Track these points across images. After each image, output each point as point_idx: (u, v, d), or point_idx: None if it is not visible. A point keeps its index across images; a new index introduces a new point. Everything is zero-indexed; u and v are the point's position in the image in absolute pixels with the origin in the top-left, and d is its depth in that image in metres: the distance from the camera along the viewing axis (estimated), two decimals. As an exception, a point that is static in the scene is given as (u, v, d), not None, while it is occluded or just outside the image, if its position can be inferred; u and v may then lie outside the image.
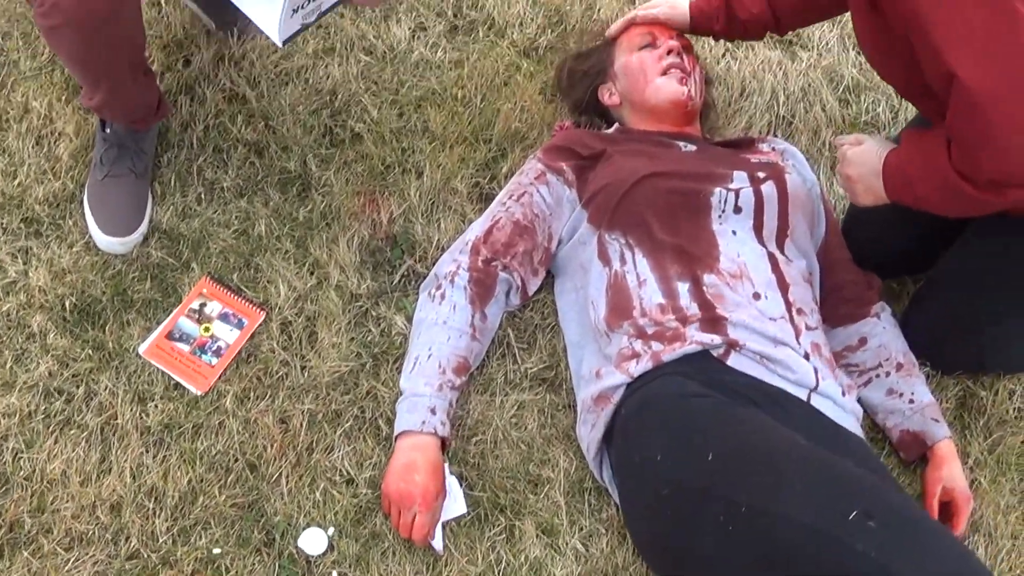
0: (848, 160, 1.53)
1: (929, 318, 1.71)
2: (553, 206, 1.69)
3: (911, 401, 1.64)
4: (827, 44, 2.24)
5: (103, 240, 1.69)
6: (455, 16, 2.12)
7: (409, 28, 2.06)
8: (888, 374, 1.65)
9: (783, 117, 2.08)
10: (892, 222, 1.71)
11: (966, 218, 1.62)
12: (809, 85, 2.15)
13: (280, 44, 1.36)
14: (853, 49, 2.24)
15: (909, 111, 2.12)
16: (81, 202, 1.74)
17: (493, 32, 2.11)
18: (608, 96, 1.86)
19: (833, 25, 2.26)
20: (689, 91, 1.76)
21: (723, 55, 2.15)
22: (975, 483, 1.66)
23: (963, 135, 1.27)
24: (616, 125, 1.85)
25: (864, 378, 1.68)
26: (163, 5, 2.00)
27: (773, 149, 1.81)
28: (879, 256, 1.79)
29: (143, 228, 1.72)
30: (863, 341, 1.68)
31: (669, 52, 1.79)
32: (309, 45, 1.99)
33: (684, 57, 1.80)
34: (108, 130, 1.72)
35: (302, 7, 1.32)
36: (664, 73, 1.77)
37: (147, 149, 1.75)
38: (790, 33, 2.08)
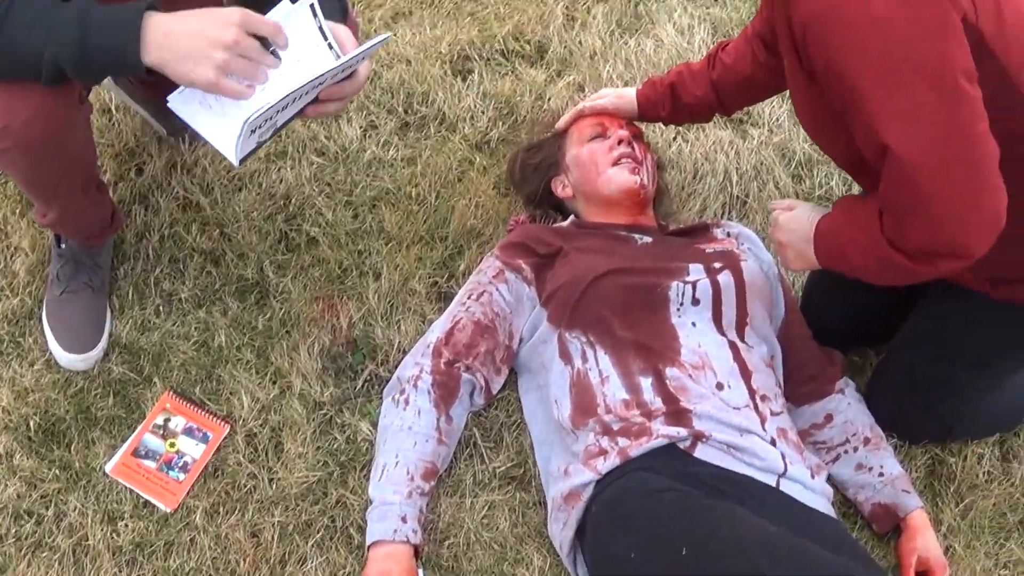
0: (780, 225, 1.67)
1: (892, 392, 1.86)
2: (513, 304, 1.83)
3: (881, 474, 1.78)
4: (777, 120, 2.43)
5: (64, 357, 1.81)
6: (406, 112, 2.29)
7: (360, 127, 2.23)
8: (856, 449, 1.80)
9: (737, 197, 2.26)
10: (849, 296, 1.88)
11: (919, 289, 1.80)
12: (761, 163, 2.33)
13: (236, 164, 1.48)
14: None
15: (855, 189, 2.31)
16: (40, 319, 1.86)
17: (444, 127, 2.28)
18: (561, 188, 2.03)
19: (782, 101, 2.46)
20: (641, 180, 1.93)
21: (674, 138, 2.33)
22: (950, 550, 1.80)
23: (895, 206, 1.37)
24: (571, 217, 2.01)
25: (832, 454, 1.82)
26: (114, 112, 2.15)
27: (728, 234, 1.98)
28: (838, 331, 1.94)
29: (103, 344, 1.84)
30: (829, 418, 1.82)
31: (620, 142, 1.96)
32: (261, 149, 2.15)
33: (635, 146, 1.97)
34: (63, 246, 1.85)
35: (259, 127, 1.47)
36: (615, 163, 1.93)
37: (103, 263, 1.89)
38: (740, 112, 2.28)
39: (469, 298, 1.84)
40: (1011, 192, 1.33)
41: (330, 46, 1.44)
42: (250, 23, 1.30)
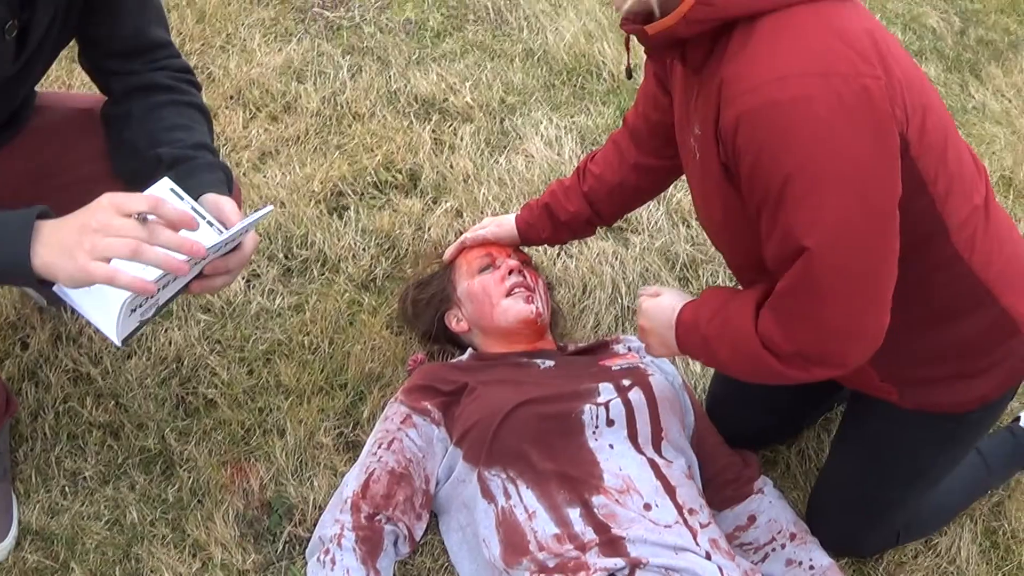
0: (643, 311, 1.90)
1: (835, 522, 2.09)
2: (425, 448, 2.04)
3: (811, 567, 2.03)
4: (656, 224, 2.75)
5: None
6: (286, 258, 2.52)
7: (243, 278, 2.44)
8: (783, 546, 2.05)
9: (628, 308, 2.54)
10: (754, 398, 2.15)
11: (825, 388, 2.06)
12: (647, 269, 2.64)
13: (119, 344, 1.55)
14: (683, 224, 2.77)
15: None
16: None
17: (327, 269, 2.51)
18: (456, 323, 2.28)
19: (659, 204, 2.79)
20: (537, 308, 2.19)
21: (558, 255, 2.62)
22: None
23: (790, 308, 1.51)
24: (469, 351, 2.26)
25: (760, 554, 2.06)
26: (-11, 286, 2.32)
27: (629, 349, 2.24)
28: (747, 432, 2.21)
29: (13, 532, 1.98)
30: (752, 519, 2.08)
31: (510, 272, 2.21)
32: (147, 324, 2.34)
33: (526, 274, 2.23)
34: None
35: (140, 306, 1.54)
36: (509, 294, 2.18)
37: (1, 449, 2.04)
38: (620, 220, 2.56)
39: (379, 447, 2.04)
40: (917, 301, 1.59)
41: (209, 223, 1.57)
42: (121, 205, 1.34)
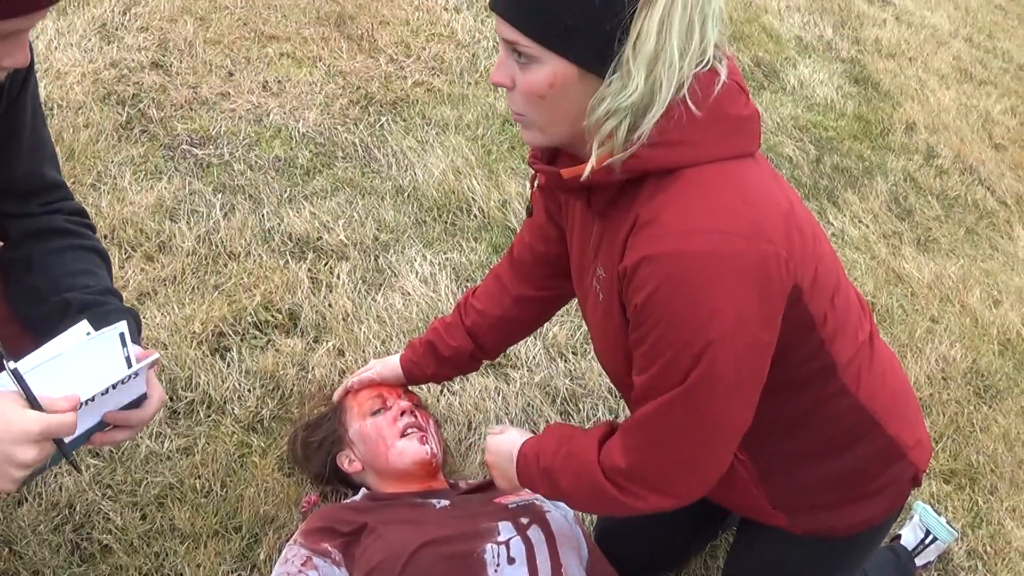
0: (488, 447, 2.17)
1: None
2: None
3: None
4: (535, 359, 3.09)
5: None
6: (172, 399, 2.75)
7: (129, 424, 2.67)
8: None
9: (513, 443, 2.87)
10: (640, 527, 2.44)
11: (710, 516, 2.40)
12: (529, 404, 2.97)
13: (13, 490, 1.57)
14: (560, 359, 3.12)
15: (626, 410, 2.99)
16: None
17: (214, 411, 2.76)
18: (348, 463, 2.54)
19: (536, 339, 3.13)
20: (431, 449, 2.46)
21: (441, 392, 2.92)
22: None
23: (644, 435, 1.74)
24: (363, 491, 2.51)
25: None
26: None
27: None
28: (637, 561, 2.51)
29: None
30: None
31: (402, 413, 2.49)
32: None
33: (417, 415, 2.53)
34: None
35: None
36: (402, 435, 2.45)
37: None
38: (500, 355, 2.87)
39: None
40: (808, 432, 1.88)
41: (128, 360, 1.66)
42: (52, 430, 1.50)
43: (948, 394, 3.49)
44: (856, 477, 2.00)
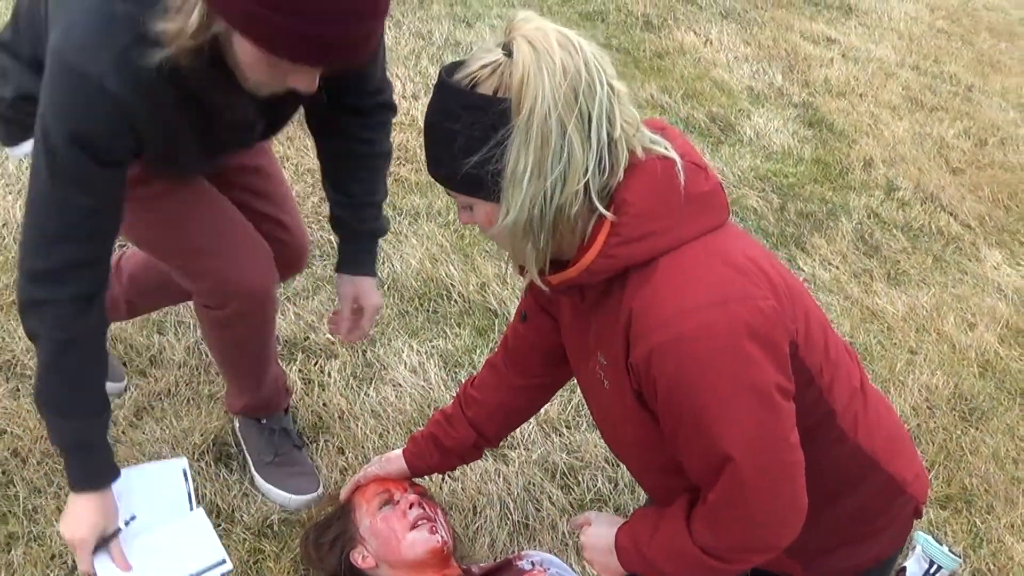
0: (583, 546, 2.28)
1: None
2: None
3: None
4: (531, 438, 3.18)
5: (295, 500, 2.68)
6: (180, 516, 2.84)
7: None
8: None
9: (518, 522, 2.94)
10: None
11: None
12: (530, 482, 3.06)
13: None
14: (555, 434, 3.21)
15: (624, 477, 3.09)
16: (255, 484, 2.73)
17: (223, 519, 2.80)
18: (362, 560, 2.61)
19: (533, 420, 3.23)
20: (442, 537, 2.54)
21: (444, 480, 3.01)
22: None
23: (722, 510, 1.82)
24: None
25: None
26: None
27: (532, 564, 2.61)
28: None
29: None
30: None
31: (411, 506, 2.57)
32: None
33: (425, 505, 2.61)
34: (264, 422, 2.74)
35: None
36: (413, 527, 2.54)
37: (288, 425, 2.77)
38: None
39: None
40: (813, 480, 1.90)
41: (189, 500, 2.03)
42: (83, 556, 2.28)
43: (935, 422, 3.60)
44: (861, 517, 2.11)
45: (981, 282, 4.47)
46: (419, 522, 2.55)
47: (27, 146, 2.24)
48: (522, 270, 1.89)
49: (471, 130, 1.68)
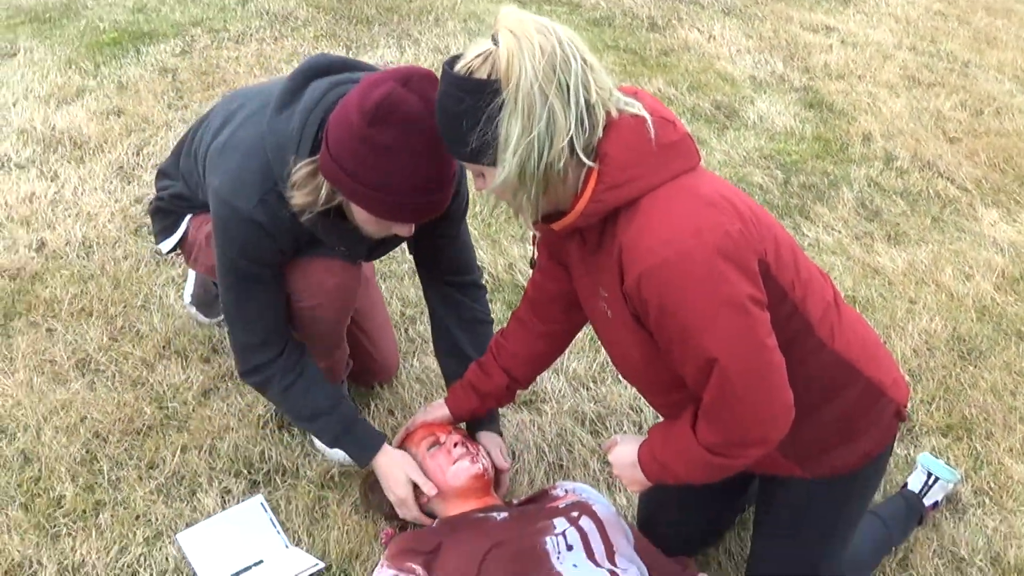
0: (613, 463, 2.59)
1: None
2: None
3: None
4: (561, 392, 3.52)
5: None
6: (249, 472, 3.15)
7: (215, 495, 3.10)
8: None
9: (553, 463, 3.27)
10: (675, 512, 2.86)
11: (735, 490, 2.83)
12: (562, 429, 3.38)
13: None
14: (582, 387, 3.54)
15: (647, 421, 3.41)
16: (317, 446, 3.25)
17: (289, 476, 3.15)
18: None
19: (558, 375, 3.57)
20: (482, 464, 2.88)
21: (485, 431, 3.35)
22: None
23: (716, 409, 2.10)
24: (436, 520, 2.91)
25: None
26: None
27: (566, 492, 2.92)
28: (677, 541, 2.89)
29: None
30: None
31: (455, 444, 2.91)
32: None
33: (468, 444, 2.96)
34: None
35: None
36: (457, 461, 2.88)
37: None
38: (533, 392, 3.33)
39: None
40: (799, 389, 2.19)
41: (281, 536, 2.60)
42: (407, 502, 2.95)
43: (935, 361, 3.89)
44: (847, 419, 2.41)
45: (978, 238, 4.74)
46: (462, 457, 2.88)
47: (171, 242, 3.22)
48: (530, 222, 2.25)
49: (473, 110, 2.05)
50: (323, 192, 2.51)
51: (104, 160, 4.66)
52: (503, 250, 4.23)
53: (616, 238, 2.15)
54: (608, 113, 2.10)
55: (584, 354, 3.71)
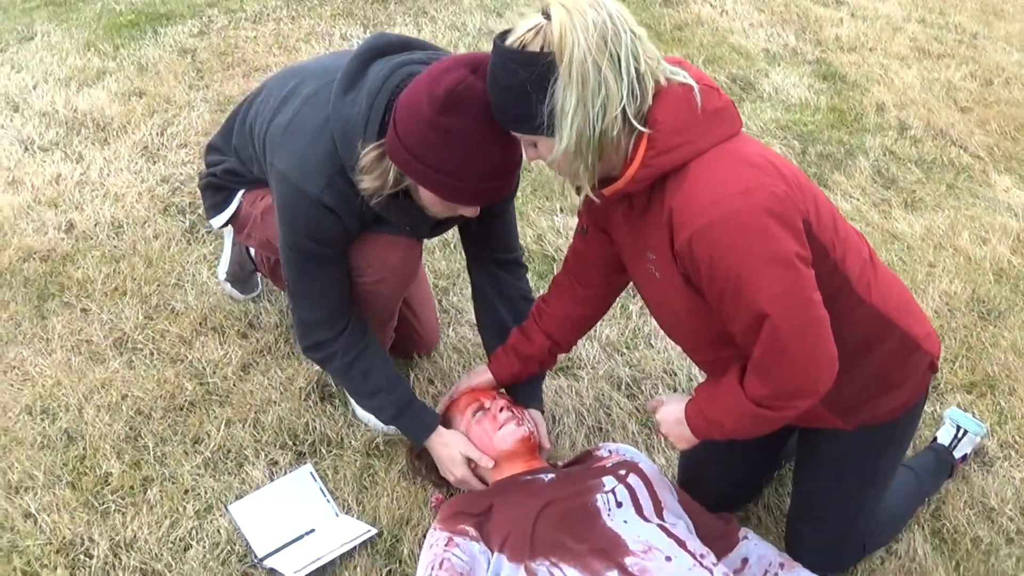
0: (658, 422, 2.68)
1: (810, 546, 2.82)
2: (470, 561, 2.65)
3: None
4: (596, 358, 3.58)
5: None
6: (295, 443, 3.22)
7: (262, 466, 3.15)
8: (777, 575, 2.77)
9: (592, 426, 3.34)
10: (715, 470, 2.94)
11: (774, 448, 2.91)
12: (599, 394, 3.45)
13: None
14: (616, 354, 3.61)
15: (682, 384, 3.48)
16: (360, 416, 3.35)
17: (334, 446, 3.21)
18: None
19: (592, 341, 3.63)
20: (528, 428, 2.93)
21: (525, 399, 3.41)
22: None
23: (766, 361, 2.18)
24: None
25: None
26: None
27: (610, 452, 2.98)
28: (718, 498, 2.95)
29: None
30: (745, 561, 2.79)
31: (500, 410, 2.97)
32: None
33: (512, 409, 3.01)
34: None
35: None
36: (503, 425, 2.94)
37: None
38: (569, 359, 3.40)
39: (433, 569, 2.63)
40: (841, 344, 2.26)
41: (328, 501, 2.78)
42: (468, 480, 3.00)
43: (956, 322, 3.97)
44: (885, 371, 2.51)
45: (992, 204, 4.80)
46: (507, 421, 2.95)
47: (223, 217, 3.29)
48: (579, 190, 2.32)
49: (526, 81, 2.13)
50: (391, 176, 2.56)
51: (128, 141, 4.70)
52: (532, 222, 4.29)
53: (665, 202, 2.23)
54: (657, 82, 2.18)
55: (616, 321, 3.77)
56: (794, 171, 2.29)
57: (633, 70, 2.12)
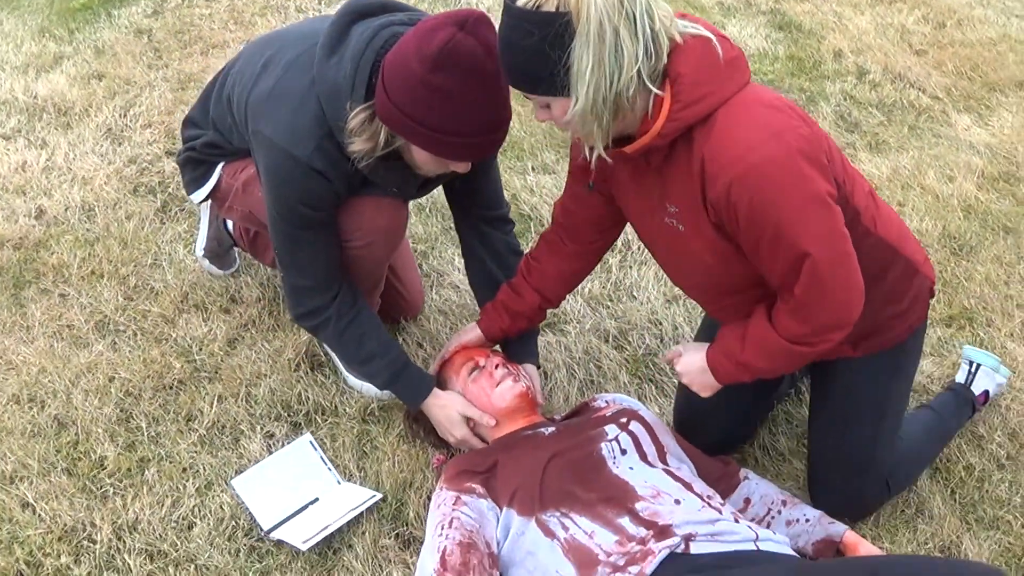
0: (679, 372, 2.71)
1: (833, 485, 2.87)
2: (479, 519, 2.65)
3: (807, 520, 2.78)
4: (581, 312, 3.59)
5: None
6: (289, 414, 3.21)
7: (260, 439, 3.14)
8: (780, 512, 2.81)
9: (584, 379, 3.36)
10: (709, 413, 2.95)
11: (765, 388, 2.95)
12: (588, 347, 3.46)
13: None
14: (601, 307, 3.62)
15: (668, 332, 3.50)
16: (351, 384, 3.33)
17: (329, 414, 3.21)
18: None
19: (577, 297, 3.64)
20: (525, 383, 2.94)
21: (515, 354, 3.42)
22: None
23: (809, 302, 2.24)
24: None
25: (763, 523, 2.80)
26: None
27: (607, 403, 2.99)
28: (714, 440, 3.00)
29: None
30: (747, 501, 2.84)
31: (496, 367, 2.97)
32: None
33: (508, 366, 3.01)
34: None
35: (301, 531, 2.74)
36: (500, 382, 2.94)
37: None
38: (555, 315, 3.42)
39: (442, 528, 2.64)
40: None
41: (330, 470, 2.79)
42: (468, 440, 3.00)
43: (931, 258, 3.97)
44: (892, 297, 2.60)
45: (955, 143, 4.85)
46: (505, 377, 2.96)
47: (204, 191, 3.26)
48: (591, 149, 2.32)
49: (542, 42, 2.11)
50: (382, 137, 2.57)
51: (91, 124, 4.65)
52: (506, 182, 4.22)
53: (694, 152, 2.26)
54: (671, 39, 2.19)
55: (597, 275, 3.78)
56: (803, 112, 2.34)
57: (648, 29, 2.12)
